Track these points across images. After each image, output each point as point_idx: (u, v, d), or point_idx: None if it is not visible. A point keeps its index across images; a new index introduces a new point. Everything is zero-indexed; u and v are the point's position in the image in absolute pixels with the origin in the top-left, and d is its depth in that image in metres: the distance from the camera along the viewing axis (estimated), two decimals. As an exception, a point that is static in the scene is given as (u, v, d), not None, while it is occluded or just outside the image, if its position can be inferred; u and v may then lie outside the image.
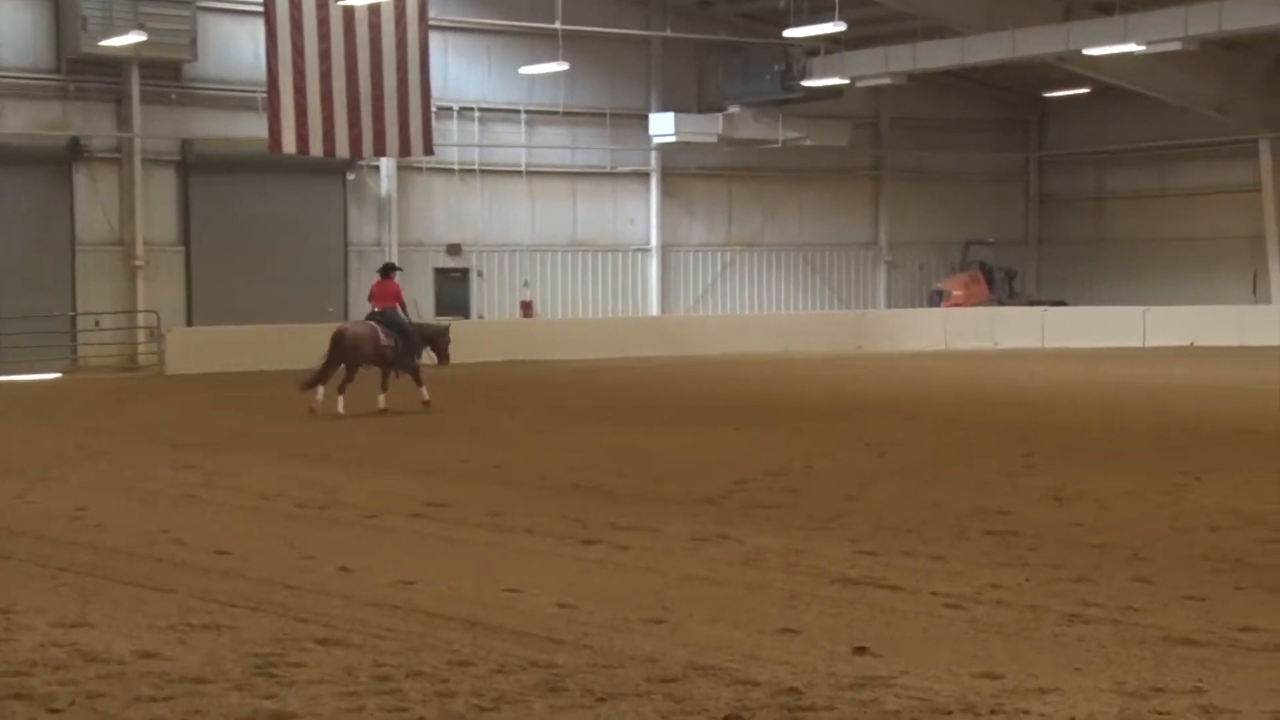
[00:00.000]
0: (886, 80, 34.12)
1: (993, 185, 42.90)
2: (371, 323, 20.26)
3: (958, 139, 41.78)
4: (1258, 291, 38.16)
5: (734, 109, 36.61)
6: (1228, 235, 39.16)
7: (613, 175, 37.59)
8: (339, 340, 19.75)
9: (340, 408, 19.07)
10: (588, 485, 12.18)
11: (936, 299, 39.16)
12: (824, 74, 34.41)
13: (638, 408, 20.08)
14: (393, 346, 20.01)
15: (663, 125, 36.40)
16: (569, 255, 37.03)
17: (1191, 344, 34.47)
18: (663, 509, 10.82)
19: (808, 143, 37.77)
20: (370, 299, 20.73)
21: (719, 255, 39.12)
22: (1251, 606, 7.28)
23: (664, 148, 37.37)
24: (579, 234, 37.21)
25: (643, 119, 36.93)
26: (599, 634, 6.99)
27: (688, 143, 36.74)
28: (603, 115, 37.02)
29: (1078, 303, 40.20)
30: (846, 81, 34.46)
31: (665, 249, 37.92)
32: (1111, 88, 36.89)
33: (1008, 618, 7.16)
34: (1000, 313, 37.16)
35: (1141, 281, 40.37)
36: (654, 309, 37.66)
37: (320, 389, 19.31)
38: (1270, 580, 7.90)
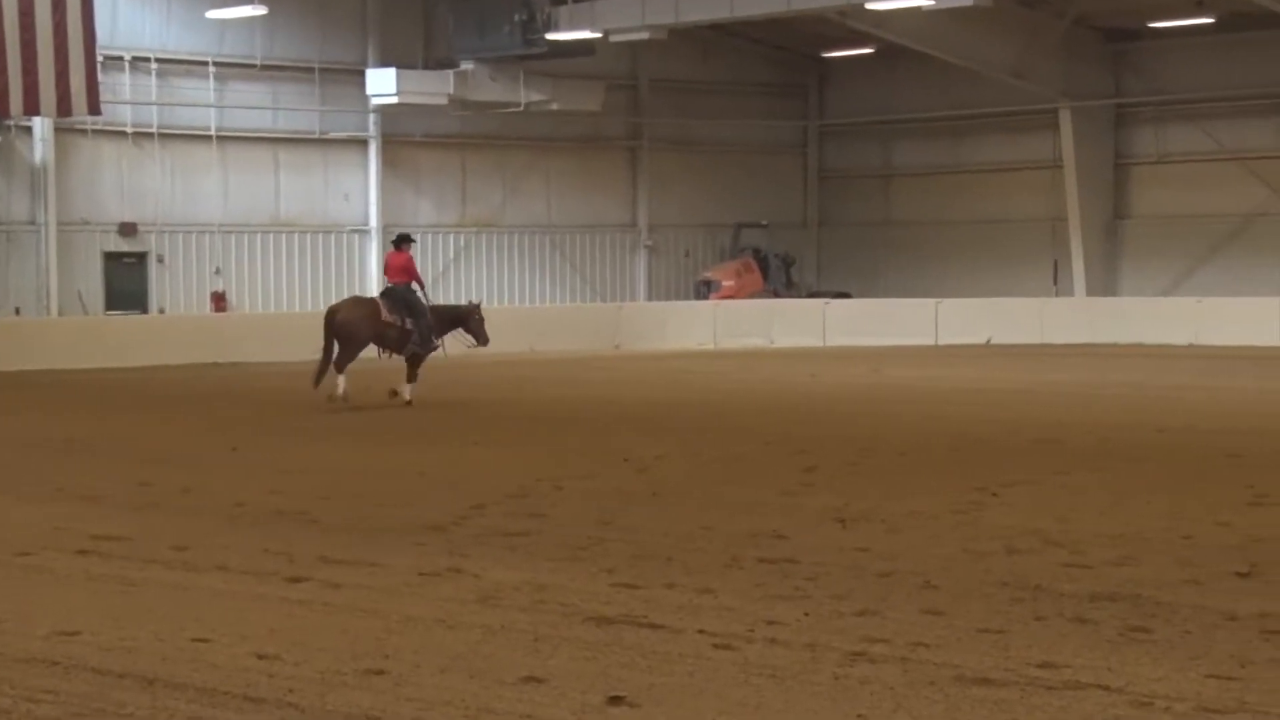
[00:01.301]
0: (644, 35, 34.57)
1: (767, 159, 43.89)
2: (374, 299, 21.67)
3: (727, 105, 42.61)
4: (1058, 282, 39.96)
5: (467, 66, 36.57)
6: (1027, 217, 40.91)
7: (323, 142, 37.14)
8: (328, 320, 20.88)
9: (339, 389, 20.40)
10: (293, 512, 12.01)
11: (704, 290, 39.86)
12: (572, 26, 34.66)
13: (352, 418, 19.86)
14: (398, 326, 20.97)
15: (382, 83, 36.11)
16: (270, 237, 36.43)
17: (988, 341, 35.90)
18: (383, 540, 10.75)
19: (554, 106, 38.01)
20: (385, 273, 22.00)
21: (451, 238, 39.05)
22: (1052, 639, 7.62)
23: (385, 110, 37.11)
24: (282, 212, 36.65)
25: (359, 76, 36.60)
26: (307, 689, 6.90)
27: (413, 105, 36.56)
28: (310, 70, 36.55)
29: (863, 294, 41.44)
30: (599, 35, 34.79)
31: (387, 230, 37.62)
32: (898, 49, 38.14)
33: (784, 659, 7.33)
34: (776, 306, 38.04)
35: (933, 270, 41.87)
36: (373, 301, 37.32)
37: (340, 378, 20.50)
38: (1072, 609, 8.28)
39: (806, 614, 8.24)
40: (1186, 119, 38.92)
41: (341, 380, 20.61)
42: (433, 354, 21.78)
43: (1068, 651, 7.34)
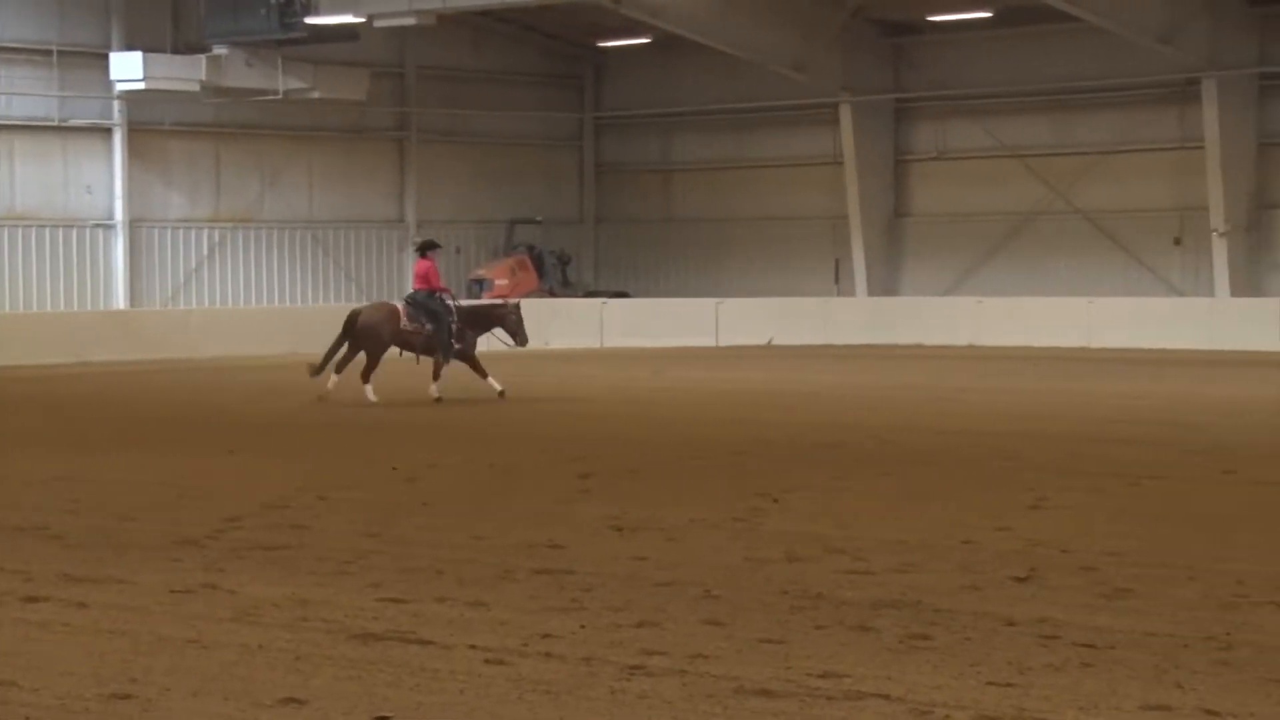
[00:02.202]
0: (411, 20, 34.38)
1: (542, 152, 43.95)
2: (395, 304, 23.12)
3: (500, 95, 42.57)
4: (840, 281, 40.76)
5: (221, 50, 35.95)
6: (809, 214, 41.61)
7: (62, 130, 36.17)
8: (349, 323, 22.40)
9: (329, 385, 21.87)
10: (31, 527, 11.72)
11: (476, 289, 39.76)
12: (334, 10, 34.30)
13: (98, 426, 19.43)
14: (417, 331, 22.27)
15: (128, 68, 35.29)
16: (4, 232, 35.37)
17: (770, 342, 36.47)
18: (131, 555, 10.55)
19: (316, 95, 37.56)
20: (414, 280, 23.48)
21: (205, 234, 38.35)
22: (833, 649, 7.79)
23: (130, 97, 36.26)
24: (18, 204, 35.60)
25: (102, 59, 35.72)
26: (45, 717, 6.75)
27: (161, 91, 35.81)
28: (48, 52, 35.57)
29: (642, 293, 41.77)
30: (362, 20, 34.50)
31: (134, 225, 36.80)
32: (677, 39, 38.51)
33: (559, 673, 7.37)
34: (552, 305, 38.10)
35: (714, 268, 42.37)
36: (120, 301, 36.51)
37: (332, 375, 22.00)
38: (853, 617, 8.48)
39: (583, 626, 8.30)
40: (966, 115, 39.97)
41: (370, 390, 21.89)
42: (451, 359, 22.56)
43: (848, 660, 7.51)
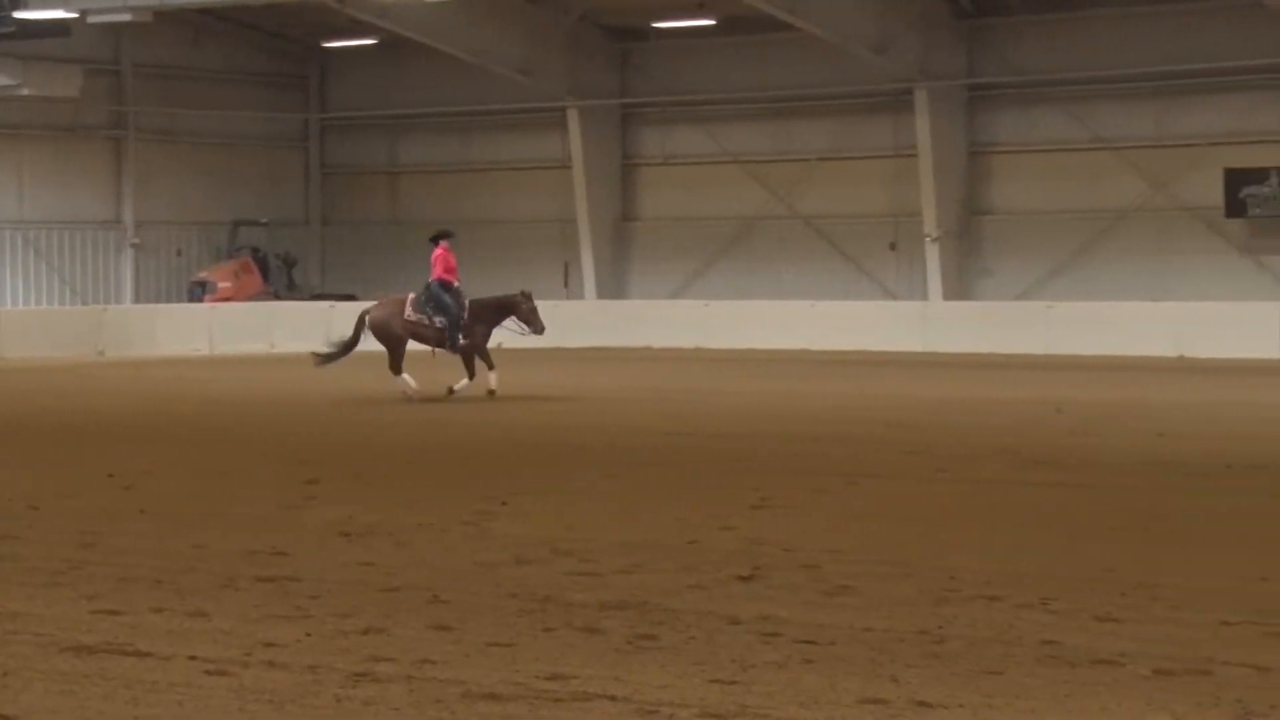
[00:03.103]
0: (126, 16, 33.55)
1: (266, 153, 43.27)
2: (401, 298, 23.28)
3: (221, 94, 41.77)
4: (569, 284, 40.96)
5: (-78, 43, 34.61)
6: (538, 218, 41.73)
7: None
8: (359, 322, 22.94)
9: (410, 385, 22.34)
10: None
11: (199, 292, 38.97)
12: (44, 4, 33.26)
13: None
14: (423, 323, 22.52)
15: None
16: None
17: (498, 345, 36.41)
18: None
19: (25, 92, 36.42)
20: None
21: (-92, 234, 36.87)
22: (560, 650, 7.82)
23: None
24: None
25: None
26: None
27: None
28: None
29: (371, 297, 41.34)
30: (75, 16, 33.51)
31: None
32: (404, 40, 38.30)
33: (283, 682, 7.26)
34: (278, 309, 37.54)
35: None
36: None
37: (404, 378, 22.35)
38: (580, 618, 8.52)
39: (308, 634, 8.19)
40: (691, 121, 40.51)
41: (406, 379, 22.36)
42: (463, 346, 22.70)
43: (576, 662, 7.54)
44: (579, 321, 37.63)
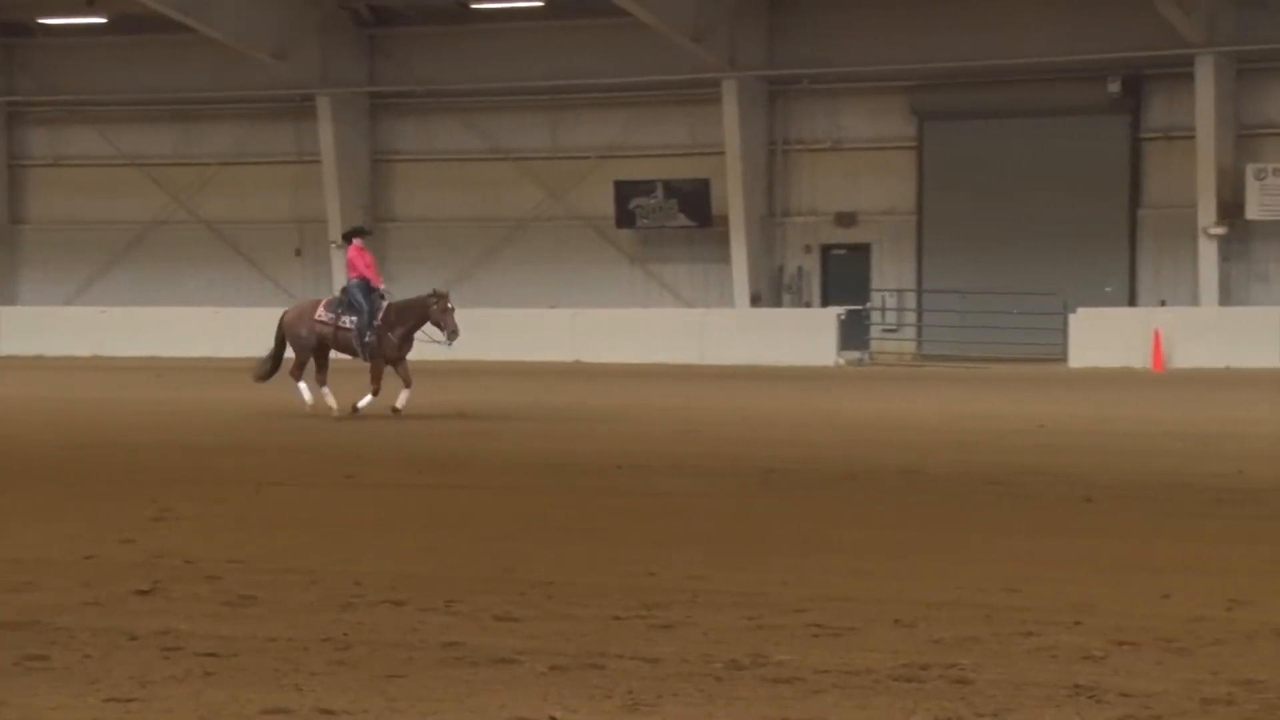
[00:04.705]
0: None
1: None
2: (315, 300, 21.91)
3: None
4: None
5: None
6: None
7: None
8: (279, 326, 21.12)
9: (325, 402, 20.43)
10: None
11: None
12: None
13: None
14: (332, 324, 20.53)
15: None
16: None
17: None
18: None
19: None
20: None
21: None
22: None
23: None
24: None
25: None
26: None
27: None
28: None
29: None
30: None
31: None
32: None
33: None
34: None
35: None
36: None
37: (322, 390, 20.48)
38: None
39: None
40: (84, 121, 39.08)
41: (303, 388, 20.63)
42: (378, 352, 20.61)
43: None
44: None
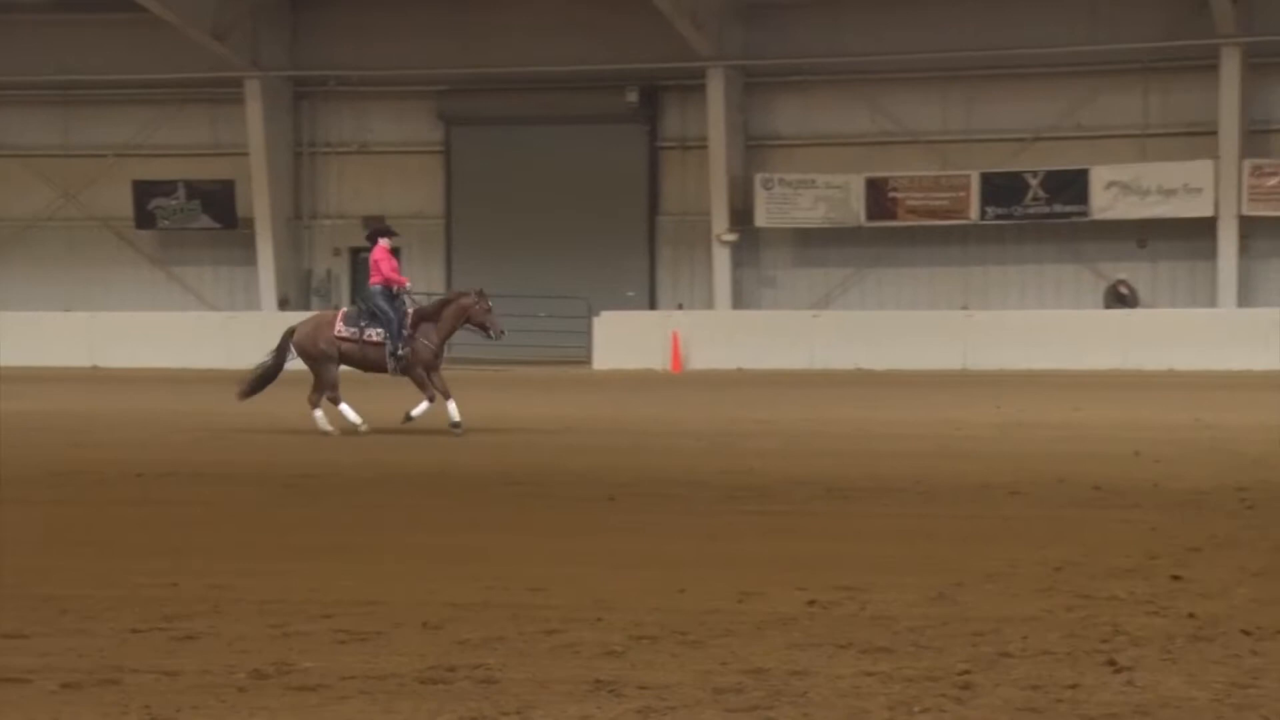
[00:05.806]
0: None
1: None
2: (333, 312, 20.21)
3: None
4: None
5: None
6: None
7: None
8: (282, 341, 19.15)
9: (323, 425, 18.68)
10: None
11: None
12: None
13: None
14: (356, 339, 18.65)
15: None
16: None
17: None
18: None
19: None
20: None
21: None
22: None
23: None
24: None
25: None
26: None
27: None
28: None
29: None
30: None
31: None
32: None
33: None
34: None
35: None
36: None
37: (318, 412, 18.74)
38: None
39: None
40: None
41: (319, 414, 18.71)
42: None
43: None
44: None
